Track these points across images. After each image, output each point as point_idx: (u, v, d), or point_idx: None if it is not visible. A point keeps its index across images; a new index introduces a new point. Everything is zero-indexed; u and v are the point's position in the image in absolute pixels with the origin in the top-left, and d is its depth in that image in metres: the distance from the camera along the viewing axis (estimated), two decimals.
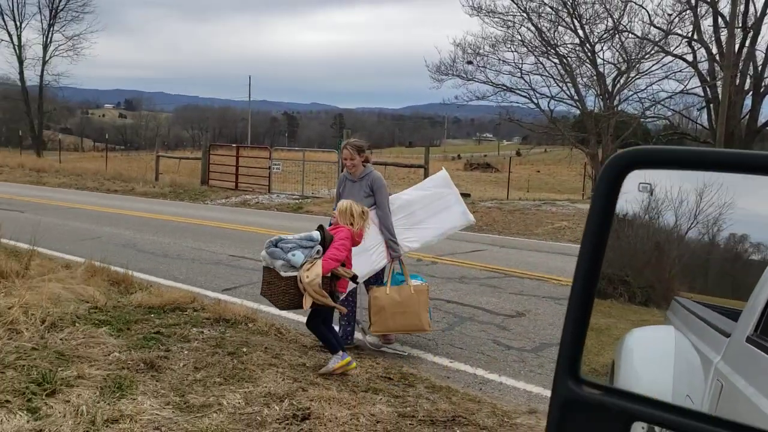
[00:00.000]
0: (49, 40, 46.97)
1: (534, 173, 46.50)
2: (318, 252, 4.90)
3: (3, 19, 45.96)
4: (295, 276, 4.77)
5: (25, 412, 3.83)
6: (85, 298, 6.32)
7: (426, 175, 20.09)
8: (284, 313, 6.54)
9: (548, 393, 3.62)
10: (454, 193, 6.07)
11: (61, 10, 46.61)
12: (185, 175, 24.52)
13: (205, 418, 3.91)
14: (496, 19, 26.26)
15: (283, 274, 4.82)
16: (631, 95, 27.03)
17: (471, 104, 28.75)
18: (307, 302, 4.75)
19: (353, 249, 5.10)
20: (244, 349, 5.26)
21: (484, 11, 26.12)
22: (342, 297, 5.18)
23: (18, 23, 46.41)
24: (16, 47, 46.85)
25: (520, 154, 56.81)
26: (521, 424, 4.20)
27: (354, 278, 5.08)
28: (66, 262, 8.27)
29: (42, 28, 46.81)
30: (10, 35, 46.34)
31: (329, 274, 4.83)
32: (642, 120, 28.91)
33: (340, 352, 4.93)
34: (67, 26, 47.32)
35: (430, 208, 5.90)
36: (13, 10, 46.06)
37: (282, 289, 4.87)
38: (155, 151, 27.46)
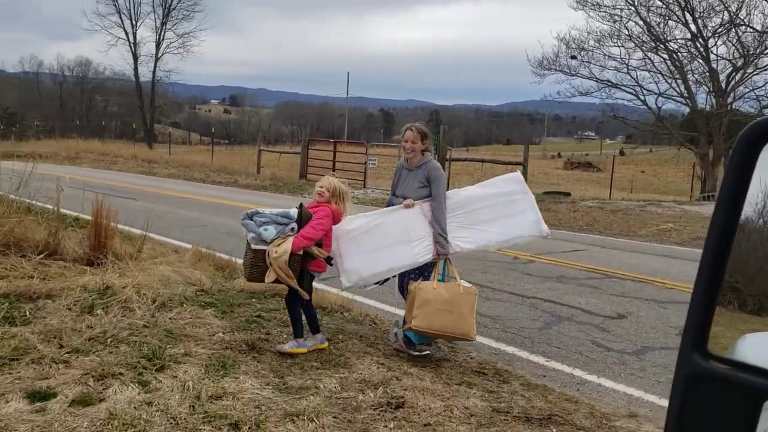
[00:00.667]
0: (161, 37, 49.69)
1: (638, 173, 44.68)
2: (292, 229, 4.89)
3: (120, 17, 48.99)
4: (264, 250, 4.79)
5: (136, 384, 4.06)
6: (192, 281, 6.63)
7: (525, 175, 19.75)
8: (379, 305, 6.63)
9: (651, 397, 3.48)
10: (528, 197, 5.44)
11: (173, 9, 49.19)
12: (285, 168, 25.23)
13: (303, 399, 4.01)
14: (602, 13, 25.43)
15: (253, 246, 4.87)
16: (747, 92, 25.47)
17: (573, 102, 28.01)
18: (270, 277, 4.76)
19: (395, 238, 5.04)
20: (340, 336, 5.35)
21: (589, 5, 25.36)
22: (318, 276, 5.21)
23: (134, 22, 49.37)
24: (132, 45, 49.84)
25: (624, 153, 54.76)
26: (621, 427, 4.05)
27: (329, 260, 5.05)
28: (175, 247, 8.70)
29: (155, 27, 49.61)
30: (126, 33, 49.38)
31: (301, 252, 4.82)
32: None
33: (301, 340, 4.96)
34: (179, 24, 49.93)
35: (495, 209, 5.28)
36: (129, 9, 49.03)
37: (251, 261, 4.91)
38: (257, 145, 28.40)
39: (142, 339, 4.85)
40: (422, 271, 5.18)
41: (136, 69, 50.64)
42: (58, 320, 5.10)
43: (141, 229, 8.18)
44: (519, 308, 6.93)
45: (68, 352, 4.51)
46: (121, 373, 4.17)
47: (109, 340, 4.79)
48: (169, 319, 5.41)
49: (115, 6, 48.70)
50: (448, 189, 5.39)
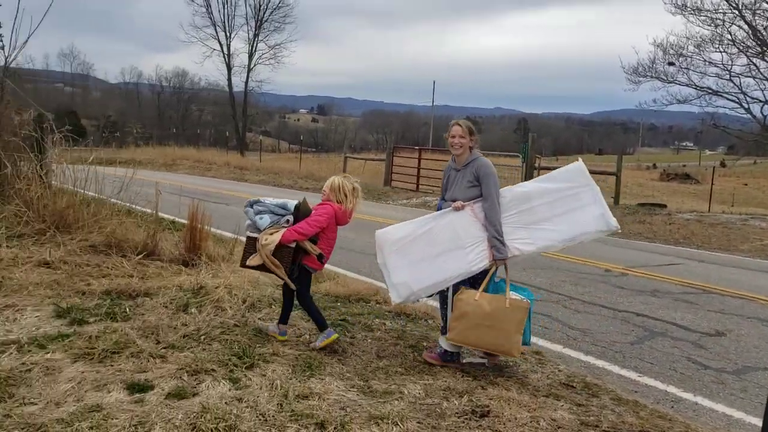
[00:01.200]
0: (254, 49, 51.33)
1: (740, 186, 42.35)
2: (288, 221, 5.03)
3: (215, 30, 50.97)
4: (256, 237, 4.97)
5: (227, 381, 4.20)
6: (280, 284, 6.77)
7: (618, 185, 19.06)
8: None
9: (753, 419, 3.29)
10: (592, 189, 4.84)
11: (265, 21, 50.73)
12: (370, 176, 25.47)
13: (387, 404, 4.03)
14: (703, 18, 24.28)
15: (248, 233, 5.05)
16: None
17: (670, 110, 26.86)
18: (253, 261, 4.93)
19: (446, 245, 4.66)
20: (425, 344, 5.34)
21: (689, 9, 24.27)
22: (313, 272, 5.23)
23: (228, 34, 51.24)
24: (226, 56, 51.73)
25: (725, 164, 52.11)
26: None
27: (320, 257, 5.04)
28: None
29: (248, 38, 51.31)
30: (221, 45, 51.32)
31: (293, 245, 4.90)
32: None
33: (284, 327, 5.14)
34: (270, 36, 51.45)
35: (556, 205, 4.76)
36: (224, 22, 50.92)
37: (245, 248, 5.09)
38: (343, 153, 28.84)
39: (233, 337, 5.02)
40: (477, 279, 4.77)
41: (229, 79, 52.56)
42: (155, 317, 5.34)
43: (232, 232, 8.46)
44: (610, 322, 6.70)
45: (164, 348, 4.72)
46: (213, 370, 4.32)
47: (202, 338, 4.98)
48: (259, 319, 5.56)
49: (211, 18, 50.77)
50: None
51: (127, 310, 5.56)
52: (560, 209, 4.78)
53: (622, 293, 8.00)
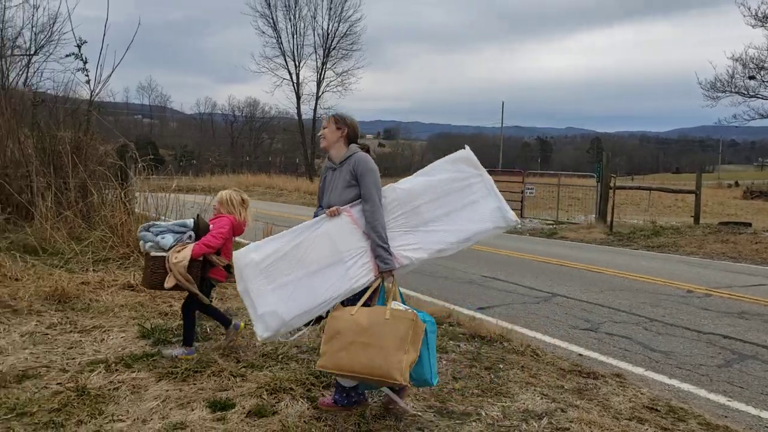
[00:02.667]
0: (321, 77, 52.42)
1: None
2: (190, 237, 5.08)
3: (285, 59, 52.36)
4: (164, 257, 4.91)
5: (305, 399, 4.25)
6: None
7: (698, 204, 18.32)
8: (540, 336, 6.45)
9: None
10: (483, 179, 4.17)
11: (333, 49, 51.78)
12: None
13: (465, 425, 3.98)
14: None
15: (152, 254, 4.97)
16: None
17: (752, 125, 25.83)
18: (170, 282, 4.85)
19: (322, 260, 3.86)
20: (501, 366, 5.26)
21: None
22: (216, 284, 5.25)
23: (297, 63, 52.54)
24: (295, 85, 53.02)
25: None
26: None
27: (228, 267, 4.97)
28: None
29: (316, 67, 52.45)
30: (290, 74, 52.66)
31: (201, 259, 4.98)
32: None
33: (190, 348, 5.10)
34: (338, 63, 52.44)
35: (445, 201, 4.08)
36: (293, 52, 52.26)
37: (150, 269, 4.98)
38: None
39: (309, 357, 5.08)
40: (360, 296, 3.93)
41: (298, 107, 53.79)
42: (234, 336, 5.46)
43: None
44: (694, 344, 6.43)
45: (244, 367, 4.82)
46: (291, 388, 4.38)
47: (279, 357, 5.07)
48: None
49: (281, 48, 52.20)
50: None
51: (208, 330, 5.71)
52: (450, 206, 4.10)
53: (706, 315, 7.67)
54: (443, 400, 4.39)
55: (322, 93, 52.84)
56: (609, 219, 17.10)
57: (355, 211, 3.98)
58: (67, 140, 10.93)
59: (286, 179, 40.44)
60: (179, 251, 4.94)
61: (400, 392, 3.97)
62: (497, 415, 4.18)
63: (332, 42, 51.64)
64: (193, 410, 4.04)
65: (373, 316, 3.69)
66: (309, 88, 54.17)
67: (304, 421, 3.90)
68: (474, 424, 4.02)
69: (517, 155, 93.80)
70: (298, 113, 54.12)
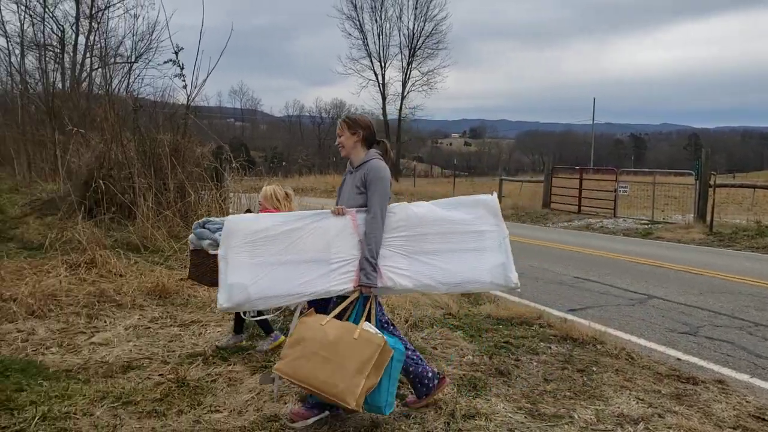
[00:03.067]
0: (407, 76, 52.63)
1: None
2: None
3: (371, 60, 52.89)
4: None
5: (395, 399, 4.26)
6: (440, 305, 6.84)
7: None
8: (635, 339, 6.23)
9: None
10: (498, 231, 4.02)
11: (419, 48, 51.87)
12: (527, 198, 25.00)
13: (557, 427, 3.90)
14: None
15: (211, 252, 4.96)
16: None
17: None
18: None
19: (309, 253, 3.76)
20: (594, 368, 5.11)
21: None
22: None
23: (382, 64, 52.95)
24: (380, 85, 53.46)
25: None
26: None
27: None
28: None
29: (402, 67, 52.67)
30: (375, 75, 53.16)
31: None
32: None
33: (273, 335, 5.19)
34: (423, 63, 52.48)
35: (452, 239, 3.93)
36: (379, 53, 52.72)
37: (210, 267, 4.94)
38: (498, 175, 28.58)
39: None
40: (329, 306, 3.93)
41: (384, 108, 54.19)
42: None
43: None
44: None
45: None
46: None
47: None
48: (421, 338, 5.62)
49: (367, 50, 52.79)
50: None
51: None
52: (456, 245, 3.94)
53: None
54: (534, 402, 4.32)
55: (408, 93, 53.09)
56: (708, 218, 16.29)
57: (359, 216, 3.88)
58: (166, 143, 11.46)
59: None
60: None
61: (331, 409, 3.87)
62: (590, 419, 4.06)
63: (418, 41, 51.79)
64: (285, 404, 4.15)
65: (343, 332, 3.58)
66: (394, 88, 54.51)
67: (394, 418, 3.92)
68: (566, 426, 3.93)
69: (609, 153, 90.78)
70: (384, 114, 54.52)
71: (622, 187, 20.11)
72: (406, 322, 6.00)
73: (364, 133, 4.05)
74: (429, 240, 3.90)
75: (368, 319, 3.73)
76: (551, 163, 24.50)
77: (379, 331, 3.64)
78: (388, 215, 3.88)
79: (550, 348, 5.63)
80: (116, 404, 4.08)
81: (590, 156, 57.34)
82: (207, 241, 5.14)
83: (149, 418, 3.89)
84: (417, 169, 59.00)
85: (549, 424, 3.96)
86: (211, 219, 5.33)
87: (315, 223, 3.86)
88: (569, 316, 6.98)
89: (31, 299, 6.21)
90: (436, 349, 5.38)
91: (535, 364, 5.16)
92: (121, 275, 7.53)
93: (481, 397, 4.33)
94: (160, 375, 4.65)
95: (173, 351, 5.20)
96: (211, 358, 5.01)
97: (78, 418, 3.85)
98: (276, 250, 3.75)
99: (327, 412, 3.87)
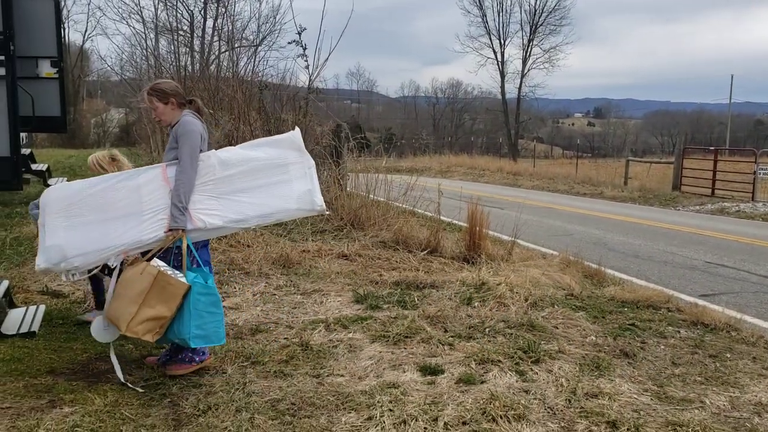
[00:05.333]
0: (527, 54, 51.34)
1: None
2: None
3: (490, 38, 51.98)
4: None
5: (513, 372, 4.24)
6: (561, 285, 6.67)
7: None
8: None
9: None
10: (302, 162, 4.19)
11: (540, 25, 50.42)
12: (655, 180, 23.80)
13: (686, 411, 3.71)
14: None
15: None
16: None
17: None
18: None
19: (123, 209, 3.94)
20: (728, 355, 4.81)
21: None
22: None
23: (502, 41, 51.91)
24: (499, 63, 52.47)
25: None
26: None
27: None
28: (542, 253, 8.87)
29: (522, 44, 51.44)
30: (494, 53, 52.24)
31: None
32: None
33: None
34: (545, 40, 50.97)
35: (258, 175, 4.10)
36: (498, 30, 51.69)
37: None
38: (625, 156, 27.37)
39: (516, 332, 5.05)
40: (168, 256, 4.02)
41: (502, 87, 53.22)
42: (440, 308, 5.59)
43: (508, 235, 8.56)
44: None
45: (452, 336, 4.92)
46: (499, 361, 4.39)
47: (486, 330, 5.10)
48: (542, 317, 5.52)
49: (486, 27, 51.94)
50: None
51: (416, 299, 5.91)
52: (262, 180, 4.10)
53: None
54: (661, 385, 4.13)
55: (528, 71, 51.84)
56: None
57: (170, 169, 4.01)
58: (289, 122, 11.85)
59: (488, 159, 40.20)
60: None
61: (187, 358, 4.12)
62: (724, 405, 3.84)
63: (540, 17, 50.31)
64: (404, 372, 4.22)
65: (135, 270, 3.85)
66: (514, 66, 53.51)
67: (513, 393, 3.89)
68: (696, 411, 3.73)
69: (749, 134, 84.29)
70: (502, 92, 53.58)
71: (762, 169, 18.68)
72: (526, 300, 5.90)
73: (175, 99, 4.17)
74: (237, 179, 4.07)
75: (179, 262, 3.93)
76: (682, 144, 23.13)
77: (163, 266, 3.87)
78: (201, 163, 4.03)
79: (678, 332, 5.35)
80: (245, 364, 4.31)
81: (726, 137, 53.60)
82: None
83: (276, 378, 4.08)
84: (537, 149, 57.63)
85: (677, 407, 3.78)
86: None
87: (126, 181, 4.02)
88: (700, 302, 6.61)
89: None
90: (557, 329, 5.26)
91: (662, 347, 4.93)
92: (248, 246, 7.90)
93: (604, 377, 4.20)
94: (285, 339, 4.86)
95: (297, 317, 5.41)
96: (332, 325, 5.16)
97: (211, 376, 4.10)
98: (89, 209, 3.93)
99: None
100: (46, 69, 8.94)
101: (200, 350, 4.15)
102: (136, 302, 3.77)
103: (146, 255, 3.96)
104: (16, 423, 3.40)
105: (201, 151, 4.06)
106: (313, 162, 4.25)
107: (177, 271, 3.90)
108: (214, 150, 4.19)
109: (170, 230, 3.90)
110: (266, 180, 4.12)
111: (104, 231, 3.90)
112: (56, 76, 9.10)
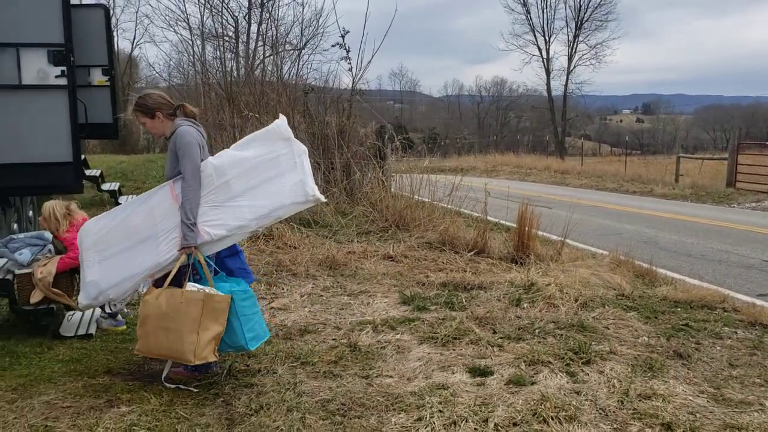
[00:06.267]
0: (573, 50, 50.45)
1: None
2: (50, 251, 5.04)
3: (534, 35, 51.29)
4: (30, 273, 4.83)
5: (564, 373, 4.19)
6: (611, 285, 6.56)
7: None
8: None
9: None
10: (291, 152, 4.05)
11: (586, 20, 49.49)
12: (707, 177, 23.15)
13: (745, 414, 3.61)
14: None
15: (16, 272, 4.86)
16: None
17: None
18: (35, 297, 4.79)
19: (141, 234, 3.96)
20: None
21: None
22: None
23: (547, 38, 51.15)
24: (544, 60, 51.72)
25: None
26: None
27: None
28: (591, 253, 8.73)
29: (567, 40, 50.57)
30: (539, 50, 51.48)
31: (68, 271, 4.91)
32: None
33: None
34: (591, 35, 50.02)
35: (251, 175, 4.00)
36: (543, 27, 50.98)
37: (17, 286, 4.85)
38: (676, 153, 26.70)
39: (567, 333, 4.99)
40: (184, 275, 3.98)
41: (548, 84, 52.45)
42: (489, 309, 5.56)
43: (557, 234, 8.45)
44: None
45: (501, 338, 4.89)
46: (549, 362, 4.35)
47: (536, 332, 5.04)
48: (592, 318, 5.43)
49: (530, 24, 51.23)
50: None
51: (463, 300, 5.89)
52: (255, 179, 3.99)
53: None
54: (717, 387, 4.03)
55: (574, 67, 50.95)
56: None
57: (176, 186, 3.97)
58: (333, 124, 11.94)
59: (534, 158, 39.70)
60: (44, 265, 4.88)
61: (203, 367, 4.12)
62: None
63: (585, 13, 49.42)
64: (453, 373, 4.21)
65: (171, 300, 3.81)
66: (559, 62, 52.75)
67: (564, 394, 3.85)
68: (756, 414, 3.62)
69: None
70: (548, 90, 52.80)
71: None
72: (576, 301, 5.82)
73: (162, 111, 4.08)
74: (233, 184, 3.99)
75: (198, 281, 3.90)
76: (737, 139, 22.45)
77: (201, 288, 3.84)
78: (202, 174, 3.98)
79: (735, 333, 5.21)
80: (295, 364, 4.36)
81: None
82: (9, 262, 5.03)
83: (325, 379, 4.12)
84: (584, 147, 56.71)
85: (735, 410, 3.68)
86: (15, 237, 5.19)
87: (142, 205, 4.06)
88: (758, 301, 6.42)
89: None
90: (608, 329, 5.17)
91: (718, 348, 4.80)
92: (295, 247, 7.99)
93: (657, 379, 4.12)
94: (333, 339, 4.90)
95: (344, 318, 5.45)
96: (379, 326, 5.18)
97: (262, 375, 4.16)
98: (115, 241, 4.01)
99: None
100: (97, 77, 9.18)
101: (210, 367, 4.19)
102: (193, 331, 3.78)
103: (159, 281, 4.00)
104: (76, 421, 3.52)
105: (201, 160, 4.04)
106: (304, 148, 4.14)
107: (205, 286, 3.90)
108: (210, 158, 4.13)
109: (182, 248, 3.90)
110: (259, 179, 4.04)
111: (129, 259, 3.97)
112: (107, 83, 9.34)
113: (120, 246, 3.99)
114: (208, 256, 3.98)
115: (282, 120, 4.17)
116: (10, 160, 5.99)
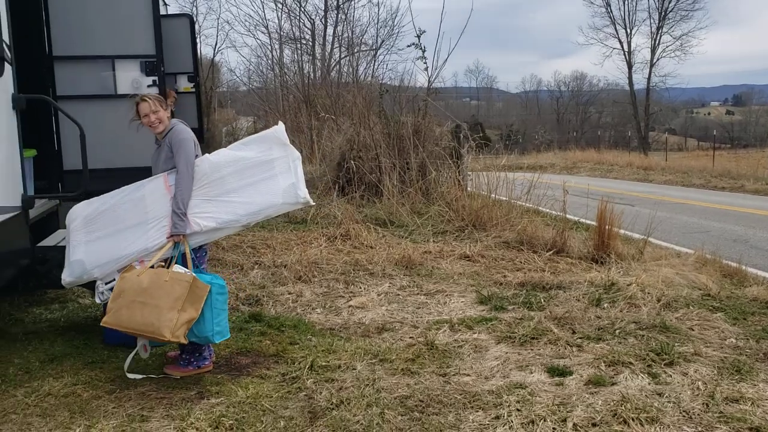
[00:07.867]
0: (656, 42, 48.62)
1: None
2: None
3: (615, 28, 49.76)
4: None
5: (645, 375, 4.12)
6: (697, 285, 6.35)
7: None
8: None
9: None
10: (286, 156, 4.33)
11: (671, 11, 47.63)
12: None
13: None
14: None
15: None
16: None
17: None
18: None
19: (131, 220, 4.19)
20: None
21: None
22: None
23: (628, 30, 49.51)
24: (626, 53, 50.07)
25: None
26: None
27: None
28: (675, 252, 8.44)
29: (650, 32, 48.76)
30: (620, 43, 49.87)
31: None
32: None
33: None
34: (676, 26, 48.10)
35: (246, 174, 4.26)
36: (624, 19, 49.38)
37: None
38: None
39: (648, 334, 4.88)
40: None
41: (630, 77, 50.78)
42: (568, 309, 5.50)
43: (639, 233, 8.23)
44: None
45: (580, 338, 4.84)
46: (630, 363, 4.28)
47: (617, 332, 4.96)
48: (675, 318, 5.29)
49: (610, 17, 49.73)
50: None
51: (542, 300, 5.84)
52: (250, 178, 4.27)
53: None
54: None
55: (657, 60, 49.11)
56: None
57: (170, 177, 4.22)
58: (409, 124, 12.02)
59: (616, 154, 38.55)
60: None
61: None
62: None
63: (669, 3, 47.57)
64: (531, 373, 4.20)
65: (154, 278, 3.97)
66: (642, 55, 50.96)
67: (646, 395, 3.78)
68: None
69: None
70: (630, 84, 51.13)
71: None
72: (659, 301, 5.67)
73: (170, 105, 4.48)
74: (228, 180, 4.25)
75: (185, 265, 4.11)
76: None
77: (188, 271, 4.04)
78: (196, 169, 4.23)
79: None
80: (374, 361, 4.46)
81: None
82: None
83: (403, 376, 4.20)
84: (669, 142, 54.65)
85: None
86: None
87: (134, 193, 4.29)
88: None
89: (298, 266, 6.98)
90: (693, 330, 5.02)
91: None
92: (371, 247, 8.12)
93: (746, 382, 3.98)
94: (410, 338, 4.97)
95: (421, 317, 5.51)
96: (456, 325, 5.22)
97: (342, 371, 4.28)
98: (104, 224, 4.24)
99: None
100: (183, 84, 9.57)
101: (203, 356, 4.34)
102: (174, 308, 3.92)
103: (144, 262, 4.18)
104: (169, 412, 3.74)
105: (196, 156, 4.29)
106: (298, 154, 4.42)
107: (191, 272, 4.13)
108: (207, 154, 4.40)
109: (171, 236, 4.14)
110: (254, 178, 4.30)
111: (116, 242, 4.21)
112: (193, 90, 9.73)
113: (109, 229, 4.25)
114: (192, 249, 4.21)
115: (280, 126, 4.49)
116: (114, 165, 6.33)
